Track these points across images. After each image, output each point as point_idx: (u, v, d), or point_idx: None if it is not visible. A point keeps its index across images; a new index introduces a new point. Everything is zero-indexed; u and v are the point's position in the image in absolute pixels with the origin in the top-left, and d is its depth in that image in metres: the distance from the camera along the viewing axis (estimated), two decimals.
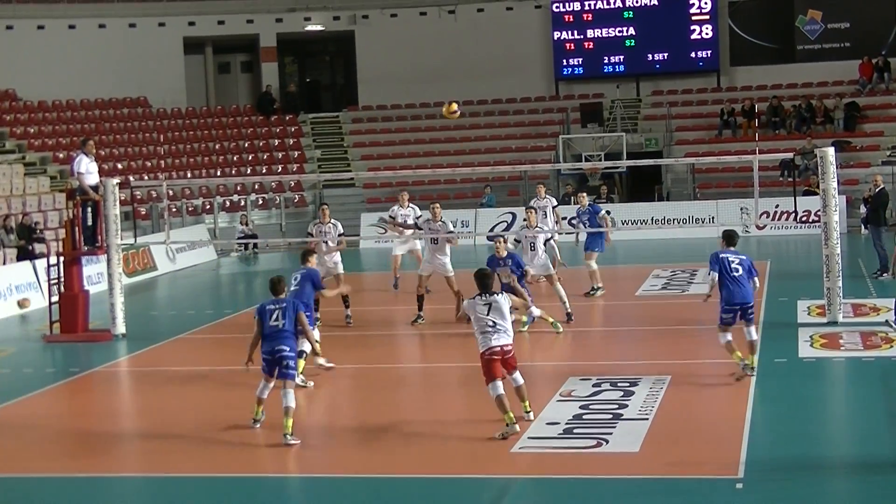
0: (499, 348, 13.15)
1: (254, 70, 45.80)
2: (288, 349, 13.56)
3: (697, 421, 13.52)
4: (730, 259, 15.18)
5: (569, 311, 19.80)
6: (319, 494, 11.82)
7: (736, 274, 15.07)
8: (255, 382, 15.78)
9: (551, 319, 18.72)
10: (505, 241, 18.86)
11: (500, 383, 13.01)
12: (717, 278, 15.04)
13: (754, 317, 15.46)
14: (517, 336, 18.49)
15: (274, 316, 13.71)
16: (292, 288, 16.25)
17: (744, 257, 15.32)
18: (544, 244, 20.77)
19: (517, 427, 12.88)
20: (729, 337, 15.16)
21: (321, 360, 15.88)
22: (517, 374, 13.37)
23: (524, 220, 21.18)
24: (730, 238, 15.54)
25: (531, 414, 13.39)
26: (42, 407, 16.04)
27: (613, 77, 42.83)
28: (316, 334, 16.12)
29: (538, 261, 20.15)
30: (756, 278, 15.32)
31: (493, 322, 13.17)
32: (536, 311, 18.40)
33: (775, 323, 19.00)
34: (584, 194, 24.05)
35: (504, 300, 13.35)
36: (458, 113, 21.28)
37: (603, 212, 23.40)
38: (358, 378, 16.89)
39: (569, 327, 19.60)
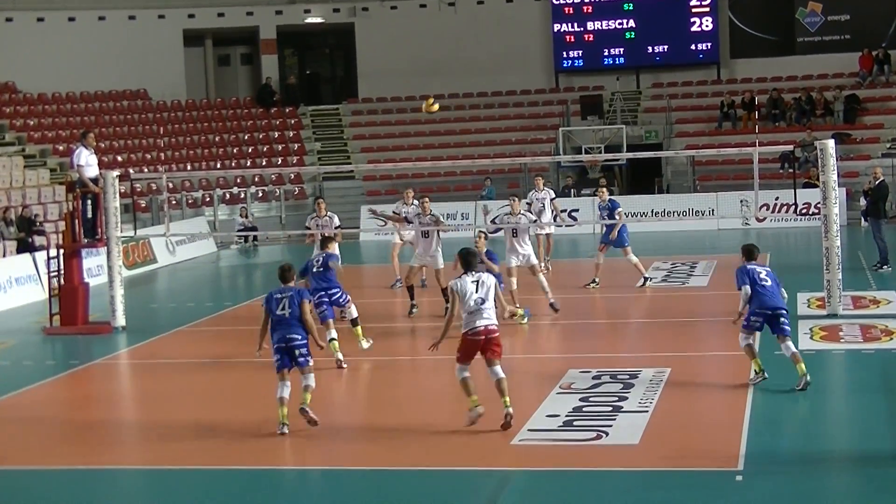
0: (483, 328, 12.95)
1: (253, 62, 45.79)
2: (299, 337, 13.47)
3: (697, 413, 13.54)
4: (757, 270, 14.70)
5: (552, 301, 19.78)
6: (319, 487, 11.83)
7: (766, 283, 14.56)
8: (256, 374, 15.86)
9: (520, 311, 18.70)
10: (486, 237, 18.89)
11: (467, 367, 13.02)
12: (749, 291, 14.39)
13: (789, 329, 14.62)
14: (518, 329, 18.57)
15: (281, 305, 13.63)
16: (314, 271, 16.89)
17: (769, 269, 14.92)
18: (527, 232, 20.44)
19: (481, 409, 12.84)
20: (751, 340, 14.58)
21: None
22: (497, 367, 13.01)
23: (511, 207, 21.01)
24: (750, 252, 15.03)
25: (511, 409, 12.87)
26: (42, 399, 16.04)
27: (613, 69, 42.81)
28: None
29: (521, 250, 19.97)
30: (783, 290, 14.83)
31: (482, 300, 13.01)
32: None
33: None
34: (604, 189, 23.75)
35: (491, 279, 13.23)
36: (437, 108, 21.39)
37: (621, 208, 23.34)
38: (356, 371, 16.89)
39: (567, 319, 19.61)
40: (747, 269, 14.67)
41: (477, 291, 13.02)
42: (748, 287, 14.42)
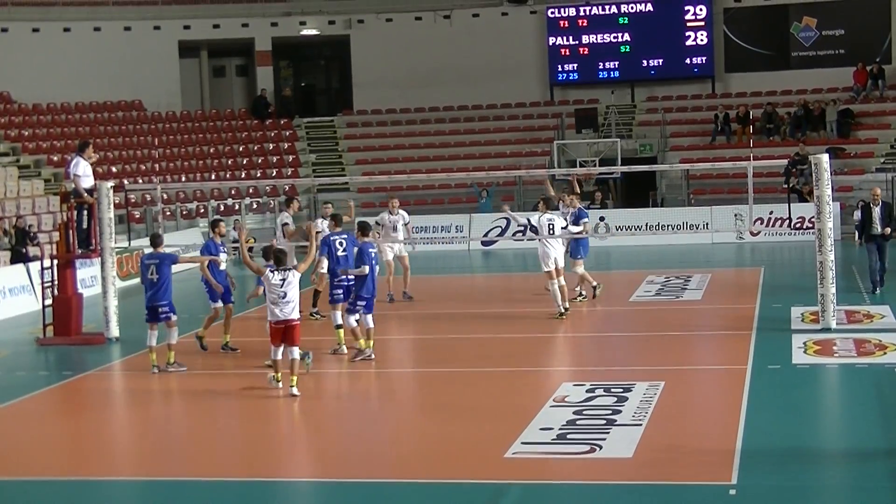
0: (283, 319, 15.35)
1: (249, 74, 45.80)
2: (165, 302, 17.17)
3: (691, 427, 13.53)
4: (337, 241, 17.89)
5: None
6: (311, 499, 11.81)
7: (341, 255, 17.74)
8: (250, 384, 15.91)
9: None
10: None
11: (280, 350, 15.52)
12: (326, 263, 17.95)
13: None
14: (513, 342, 18.59)
15: (150, 270, 17.09)
16: (339, 254, 18.09)
17: (345, 236, 18.01)
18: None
19: (280, 385, 15.41)
20: (353, 322, 17.36)
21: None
22: (294, 349, 15.40)
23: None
24: (337, 218, 18.72)
25: (294, 389, 15.18)
26: (35, 410, 16.02)
27: (608, 83, 42.89)
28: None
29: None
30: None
31: (284, 293, 15.26)
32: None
33: (769, 329, 19.01)
34: (574, 197, 23.08)
35: (296, 278, 15.44)
36: None
37: (586, 219, 22.78)
38: (349, 382, 16.89)
39: (561, 332, 19.60)
40: (330, 239, 17.93)
41: (282, 287, 15.30)
42: (325, 258, 17.90)
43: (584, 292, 22.61)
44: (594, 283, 22.58)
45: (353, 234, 17.79)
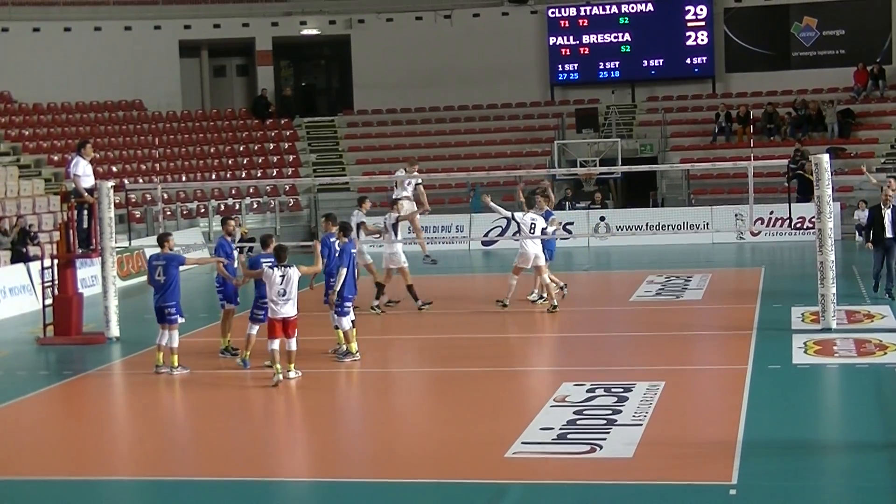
0: (281, 316, 15.80)
1: (249, 74, 45.79)
2: (172, 303, 17.08)
3: (691, 427, 13.53)
4: (336, 242, 17.68)
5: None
6: (311, 499, 11.81)
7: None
8: (249, 385, 15.92)
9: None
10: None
11: (277, 342, 15.82)
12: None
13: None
14: (511, 342, 18.57)
15: (157, 271, 17.07)
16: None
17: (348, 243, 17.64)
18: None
19: (281, 377, 15.71)
20: (347, 324, 17.32)
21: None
22: (292, 341, 15.92)
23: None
24: (332, 217, 18.59)
25: (292, 373, 15.97)
26: (35, 410, 16.04)
27: (609, 83, 42.89)
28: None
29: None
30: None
31: (284, 291, 15.70)
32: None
33: (769, 329, 19.01)
34: (543, 201, 22.73)
35: (296, 275, 15.82)
36: None
37: (552, 218, 22.73)
38: (348, 382, 16.89)
39: (561, 332, 19.61)
40: (329, 241, 17.70)
41: (281, 283, 15.74)
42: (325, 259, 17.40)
43: (564, 290, 22.41)
44: (555, 301, 21.80)
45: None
